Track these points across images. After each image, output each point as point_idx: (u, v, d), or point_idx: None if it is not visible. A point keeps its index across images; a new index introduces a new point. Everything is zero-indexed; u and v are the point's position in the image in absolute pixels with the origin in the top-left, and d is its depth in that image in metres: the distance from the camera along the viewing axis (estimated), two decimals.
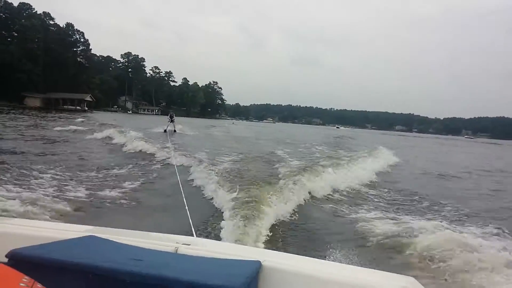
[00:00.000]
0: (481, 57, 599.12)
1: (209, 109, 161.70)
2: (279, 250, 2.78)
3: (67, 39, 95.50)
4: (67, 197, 6.91)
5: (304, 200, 8.32)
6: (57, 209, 5.94)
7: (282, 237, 5.87)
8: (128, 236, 1.84)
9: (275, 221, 6.40)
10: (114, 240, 1.74)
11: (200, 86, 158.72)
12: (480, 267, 4.39)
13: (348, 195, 9.69)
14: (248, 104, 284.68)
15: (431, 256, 4.91)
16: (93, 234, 1.78)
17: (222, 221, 5.84)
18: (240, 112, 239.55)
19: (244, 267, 1.48)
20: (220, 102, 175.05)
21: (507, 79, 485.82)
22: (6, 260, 1.37)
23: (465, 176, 16.74)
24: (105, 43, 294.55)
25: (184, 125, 34.67)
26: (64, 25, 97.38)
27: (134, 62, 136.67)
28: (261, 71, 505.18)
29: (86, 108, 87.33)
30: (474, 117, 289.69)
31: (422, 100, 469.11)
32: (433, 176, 15.76)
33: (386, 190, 10.91)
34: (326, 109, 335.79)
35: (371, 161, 16.18)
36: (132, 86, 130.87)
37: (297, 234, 6.17)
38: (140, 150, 15.24)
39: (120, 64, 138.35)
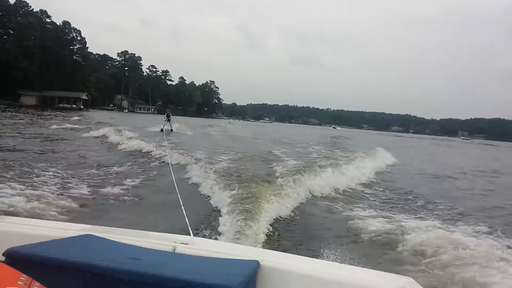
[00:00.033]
0: (480, 57, 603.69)
1: (206, 109, 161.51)
2: (277, 250, 2.84)
3: (64, 37, 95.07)
4: (71, 194, 7.05)
5: (302, 199, 8.38)
6: (62, 205, 6.07)
7: (280, 237, 5.91)
8: (125, 235, 1.83)
9: (273, 220, 6.41)
10: (112, 239, 1.74)
11: (197, 85, 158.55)
12: (471, 262, 4.54)
13: (345, 194, 9.82)
14: (244, 104, 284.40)
15: (423, 252, 5.07)
16: (90, 233, 1.78)
17: (220, 220, 5.88)
18: (236, 112, 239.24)
19: (242, 267, 1.49)
20: (217, 101, 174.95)
21: (505, 80, 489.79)
22: (3, 258, 1.36)
23: (460, 177, 16.91)
24: (101, 41, 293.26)
25: (181, 124, 34.70)
26: (61, 23, 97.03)
27: (130, 61, 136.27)
28: (260, 71, 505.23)
29: (82, 107, 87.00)
30: (471, 118, 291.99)
31: (419, 101, 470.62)
32: (428, 176, 15.94)
33: (381, 189, 11.09)
34: (323, 109, 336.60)
35: (368, 161, 16.29)
36: (128, 85, 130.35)
37: (295, 233, 6.21)
38: (136, 149, 15.25)
39: (117, 63, 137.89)
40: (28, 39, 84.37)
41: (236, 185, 7.91)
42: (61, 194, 6.81)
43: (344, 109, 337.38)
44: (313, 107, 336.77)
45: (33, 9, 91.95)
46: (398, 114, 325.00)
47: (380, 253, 5.44)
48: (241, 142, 26.25)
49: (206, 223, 5.99)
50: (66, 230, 1.82)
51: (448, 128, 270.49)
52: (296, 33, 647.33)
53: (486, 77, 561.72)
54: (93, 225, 2.03)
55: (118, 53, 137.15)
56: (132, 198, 7.66)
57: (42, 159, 11.08)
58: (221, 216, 6.18)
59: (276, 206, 7.03)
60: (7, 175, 7.60)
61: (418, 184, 13.35)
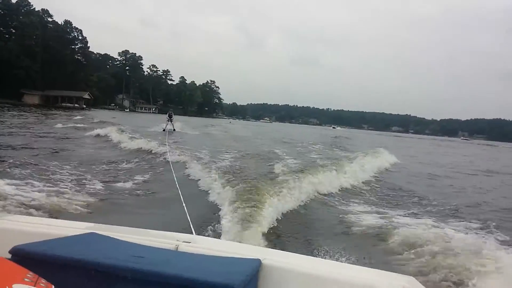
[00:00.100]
0: (480, 57, 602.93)
1: (206, 108, 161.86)
2: (279, 249, 2.87)
3: (65, 36, 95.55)
4: (87, 191, 7.47)
5: (304, 198, 8.32)
6: (79, 201, 6.49)
7: (282, 235, 5.90)
8: (128, 233, 1.86)
9: (275, 219, 6.37)
10: (115, 237, 1.77)
11: (197, 85, 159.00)
12: (460, 253, 4.78)
13: (347, 193, 9.89)
14: (245, 104, 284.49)
15: (413, 245, 5.32)
16: (93, 231, 1.81)
17: (222, 219, 5.87)
18: (237, 111, 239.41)
19: (244, 265, 1.50)
20: (217, 101, 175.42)
21: (505, 80, 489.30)
22: (9, 256, 1.39)
23: (457, 176, 17.19)
24: (102, 40, 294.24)
25: (183, 123, 34.91)
26: (62, 22, 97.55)
27: (131, 60, 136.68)
28: (260, 71, 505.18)
29: (84, 106, 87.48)
30: (471, 119, 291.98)
31: (419, 101, 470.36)
32: (426, 176, 16.09)
33: (383, 189, 11.21)
34: (323, 109, 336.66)
35: (369, 160, 16.21)
36: (129, 84, 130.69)
37: (297, 232, 6.21)
38: (139, 148, 15.38)
39: (118, 62, 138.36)
40: (30, 38, 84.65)
41: (239, 184, 7.87)
42: (78, 192, 7.19)
43: (344, 109, 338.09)
44: (313, 107, 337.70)
45: (34, 8, 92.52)
46: (398, 114, 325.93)
47: (383, 252, 5.44)
48: (243, 142, 26.54)
49: (208, 221, 5.93)
50: (70, 228, 1.86)
51: (448, 128, 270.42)
52: (296, 33, 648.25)
53: (486, 77, 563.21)
54: (96, 223, 2.08)
55: (119, 52, 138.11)
56: (135, 196, 7.78)
57: (54, 157, 11.54)
58: (223, 214, 6.17)
59: (278, 204, 6.94)
60: (24, 173, 7.99)
61: (419, 184, 13.30)
